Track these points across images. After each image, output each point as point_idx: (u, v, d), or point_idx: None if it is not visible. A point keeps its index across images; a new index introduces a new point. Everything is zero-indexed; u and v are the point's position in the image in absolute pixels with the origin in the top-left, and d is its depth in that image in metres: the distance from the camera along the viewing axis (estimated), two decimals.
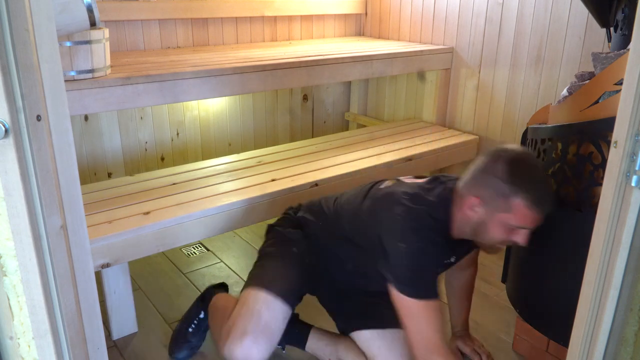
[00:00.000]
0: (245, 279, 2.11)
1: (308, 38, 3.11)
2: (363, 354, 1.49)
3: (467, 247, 1.51)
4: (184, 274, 2.15)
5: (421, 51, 2.64)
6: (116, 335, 1.76)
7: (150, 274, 2.15)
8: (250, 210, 1.90)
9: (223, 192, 1.93)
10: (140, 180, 2.02)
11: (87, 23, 1.54)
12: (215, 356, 1.69)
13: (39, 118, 0.83)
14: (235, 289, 2.05)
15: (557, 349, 1.55)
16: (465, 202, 1.33)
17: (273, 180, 2.05)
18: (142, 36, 2.55)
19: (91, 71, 1.70)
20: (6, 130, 0.77)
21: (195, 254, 2.32)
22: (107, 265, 1.59)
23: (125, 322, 1.78)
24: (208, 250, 2.35)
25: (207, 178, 2.06)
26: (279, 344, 1.52)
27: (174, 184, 1.99)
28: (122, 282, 1.73)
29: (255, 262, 1.61)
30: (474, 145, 2.71)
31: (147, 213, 1.73)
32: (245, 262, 2.24)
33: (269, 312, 1.39)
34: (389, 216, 1.37)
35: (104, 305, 1.69)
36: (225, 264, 2.23)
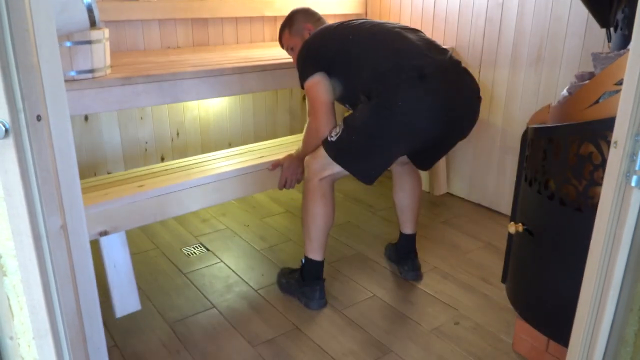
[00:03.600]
0: (245, 279, 2.12)
1: None
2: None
3: None
4: (184, 274, 2.15)
5: None
6: (119, 312, 1.74)
7: (150, 274, 2.15)
8: (244, 180, 1.93)
9: (217, 166, 1.99)
10: (136, 171, 2.05)
11: (87, 23, 1.53)
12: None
13: (39, 118, 0.83)
14: (235, 289, 2.05)
15: (557, 349, 1.55)
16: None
17: (262, 156, 2.10)
18: (142, 36, 2.55)
19: (91, 71, 1.70)
20: (6, 130, 0.77)
21: (195, 254, 2.32)
22: (105, 232, 1.58)
23: (127, 299, 1.75)
24: (208, 250, 2.35)
25: (203, 163, 2.11)
26: None
27: (167, 169, 2.03)
28: (122, 255, 1.71)
29: None
30: None
31: (141, 186, 1.77)
32: (245, 262, 2.24)
33: None
34: None
35: (104, 281, 1.68)
36: (225, 264, 2.23)
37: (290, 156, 1.99)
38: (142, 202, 1.70)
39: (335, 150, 1.75)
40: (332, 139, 1.76)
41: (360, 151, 1.73)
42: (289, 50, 2.03)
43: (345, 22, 1.85)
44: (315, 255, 1.88)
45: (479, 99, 1.77)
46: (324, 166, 1.78)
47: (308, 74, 1.79)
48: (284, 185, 2.00)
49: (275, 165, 1.97)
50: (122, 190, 1.73)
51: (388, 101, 1.64)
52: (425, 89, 1.63)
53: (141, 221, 1.72)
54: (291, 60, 2.23)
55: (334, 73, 1.78)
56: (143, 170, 2.01)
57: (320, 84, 1.78)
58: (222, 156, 2.15)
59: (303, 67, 1.82)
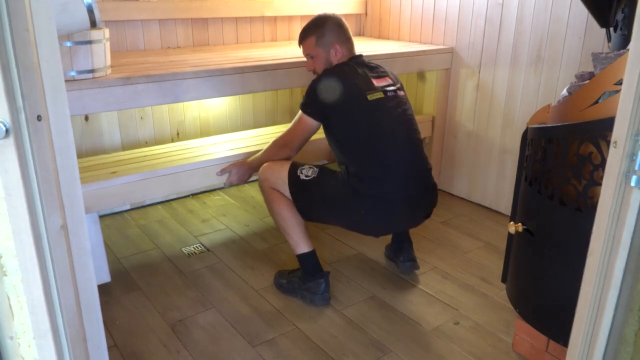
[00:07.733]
0: (245, 279, 2.12)
1: None
2: None
3: None
4: (184, 274, 2.15)
5: (421, 51, 2.64)
6: None
7: (150, 274, 2.15)
8: (214, 171, 2.03)
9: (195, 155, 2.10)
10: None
11: (87, 23, 1.54)
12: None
13: (39, 118, 0.83)
14: (235, 289, 2.05)
15: (557, 349, 1.55)
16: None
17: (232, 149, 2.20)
18: (142, 36, 2.55)
19: (91, 71, 1.71)
20: (6, 130, 0.77)
21: (195, 254, 2.32)
22: None
23: (98, 271, 1.82)
24: (208, 250, 2.35)
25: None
26: None
27: (146, 155, 2.10)
28: (94, 232, 1.77)
29: None
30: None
31: (114, 172, 1.84)
32: (245, 262, 2.24)
33: None
34: None
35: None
36: (225, 264, 2.23)
37: (239, 163, 2.05)
38: (111, 189, 1.81)
39: (298, 188, 1.87)
40: (302, 176, 1.86)
41: (315, 205, 1.88)
42: (308, 56, 1.96)
43: (370, 94, 1.82)
44: (302, 248, 1.93)
45: (426, 217, 1.96)
46: (278, 183, 1.90)
47: (310, 112, 1.86)
48: (229, 185, 2.10)
49: (224, 171, 2.05)
50: (92, 176, 1.84)
51: (357, 201, 1.80)
52: (390, 211, 1.82)
53: (108, 204, 1.86)
54: (292, 60, 2.23)
55: (332, 128, 1.87)
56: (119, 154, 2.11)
57: (310, 129, 1.88)
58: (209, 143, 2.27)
59: (310, 102, 1.86)
